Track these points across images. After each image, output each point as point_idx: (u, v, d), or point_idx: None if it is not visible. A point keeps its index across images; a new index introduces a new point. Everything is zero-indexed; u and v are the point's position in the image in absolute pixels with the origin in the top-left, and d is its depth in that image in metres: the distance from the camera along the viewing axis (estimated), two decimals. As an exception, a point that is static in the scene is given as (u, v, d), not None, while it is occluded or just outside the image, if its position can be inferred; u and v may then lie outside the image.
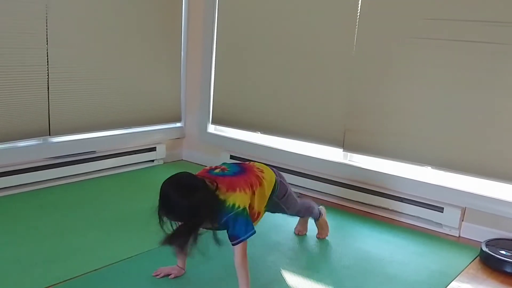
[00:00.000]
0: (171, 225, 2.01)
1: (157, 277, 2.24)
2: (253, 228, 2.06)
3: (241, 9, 3.82)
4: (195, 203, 1.93)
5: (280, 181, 2.40)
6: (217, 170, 2.20)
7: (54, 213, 2.94)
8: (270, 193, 2.30)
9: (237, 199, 2.05)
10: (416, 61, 3.07)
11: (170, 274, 2.25)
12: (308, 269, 2.44)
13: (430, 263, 2.61)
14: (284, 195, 2.42)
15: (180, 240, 2.01)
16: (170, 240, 1.99)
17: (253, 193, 2.16)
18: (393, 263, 2.57)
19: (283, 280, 2.33)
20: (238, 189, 2.09)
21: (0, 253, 2.38)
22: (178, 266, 2.28)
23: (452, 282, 2.42)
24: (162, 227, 1.98)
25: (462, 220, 3.04)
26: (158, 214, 1.97)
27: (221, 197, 2.03)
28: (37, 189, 3.30)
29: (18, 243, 2.51)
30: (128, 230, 2.76)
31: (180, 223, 2.01)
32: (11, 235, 2.59)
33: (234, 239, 2.03)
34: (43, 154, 3.38)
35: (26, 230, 2.67)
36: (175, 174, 2.05)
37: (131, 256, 2.43)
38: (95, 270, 2.28)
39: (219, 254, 2.25)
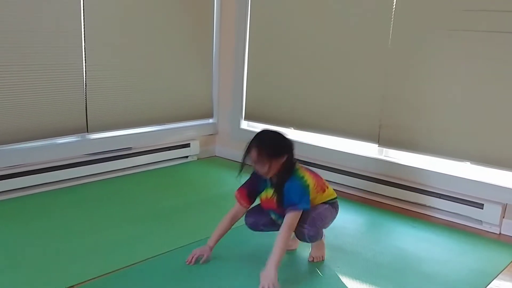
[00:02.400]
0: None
1: (190, 263, 2.30)
2: (309, 204, 2.18)
3: (273, 4, 3.80)
4: (285, 144, 2.19)
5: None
6: None
7: (91, 208, 3.01)
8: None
9: (310, 179, 2.24)
10: (454, 54, 2.98)
11: (201, 257, 2.33)
12: (343, 267, 2.42)
13: (470, 262, 2.55)
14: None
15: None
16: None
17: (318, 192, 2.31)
18: (431, 261, 2.52)
19: (317, 277, 2.32)
20: (313, 175, 2.30)
21: (40, 248, 2.45)
22: (208, 246, 2.34)
23: (493, 281, 2.36)
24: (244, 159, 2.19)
25: (503, 217, 2.95)
26: (247, 148, 2.17)
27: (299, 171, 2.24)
28: (75, 185, 3.38)
29: (57, 238, 2.57)
30: (164, 225, 2.80)
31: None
32: (51, 230, 2.66)
33: (290, 205, 2.15)
34: (81, 151, 3.46)
35: (64, 225, 2.74)
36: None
37: (167, 251, 2.46)
38: (132, 264, 2.31)
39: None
